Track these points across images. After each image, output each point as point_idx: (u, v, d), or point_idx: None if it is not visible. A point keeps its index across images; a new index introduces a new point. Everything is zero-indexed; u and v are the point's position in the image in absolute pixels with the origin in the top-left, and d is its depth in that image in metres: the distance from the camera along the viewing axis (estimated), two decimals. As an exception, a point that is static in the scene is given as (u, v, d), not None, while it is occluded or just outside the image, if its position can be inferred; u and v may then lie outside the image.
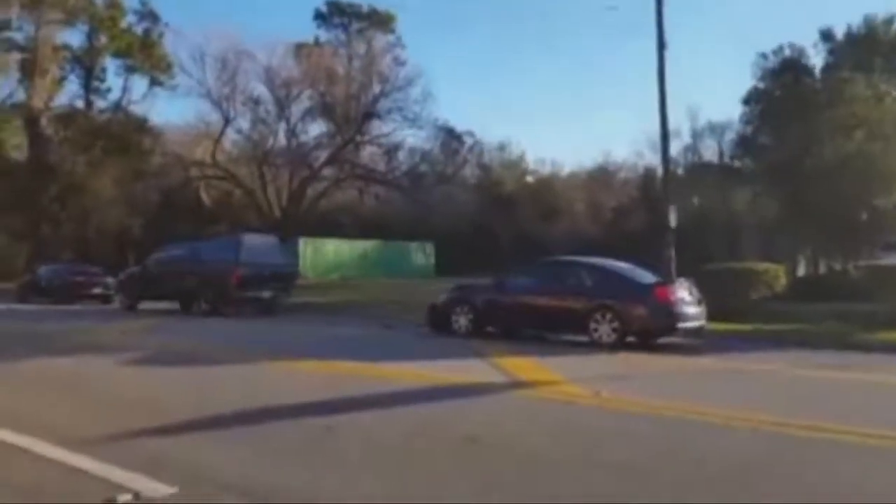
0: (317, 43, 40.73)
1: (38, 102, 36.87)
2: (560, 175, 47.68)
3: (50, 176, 35.88)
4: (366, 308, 18.83)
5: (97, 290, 22.98)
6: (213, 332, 13.28)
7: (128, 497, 3.45)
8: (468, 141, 42.28)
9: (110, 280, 22.99)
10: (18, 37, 37.09)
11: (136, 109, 39.70)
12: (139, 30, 39.84)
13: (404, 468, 4.19)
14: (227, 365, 8.43)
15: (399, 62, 37.50)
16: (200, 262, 17.72)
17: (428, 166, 39.65)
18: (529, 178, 47.68)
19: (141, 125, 38.60)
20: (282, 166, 37.42)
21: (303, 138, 38.40)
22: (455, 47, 68.74)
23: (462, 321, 12.20)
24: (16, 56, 36.79)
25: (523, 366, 8.57)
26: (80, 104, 39.99)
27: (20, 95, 37.57)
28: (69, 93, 40.18)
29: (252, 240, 18.41)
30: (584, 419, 5.76)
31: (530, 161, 49.23)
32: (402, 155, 39.54)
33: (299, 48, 37.52)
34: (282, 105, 36.52)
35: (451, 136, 40.69)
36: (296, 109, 37.18)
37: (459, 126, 42.18)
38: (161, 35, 39.56)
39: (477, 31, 71.71)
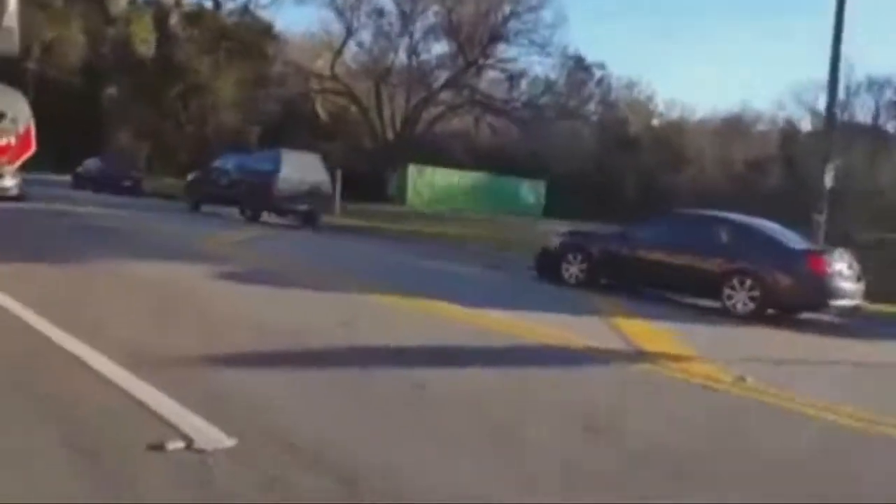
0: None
1: (169, -1, 37.67)
2: (690, 121, 44.09)
3: (175, 74, 36.84)
4: (471, 243, 18.17)
5: (127, 183, 26.69)
6: (301, 252, 12.94)
7: (179, 445, 2.97)
8: (597, 73, 39.68)
9: (136, 174, 27.93)
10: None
11: (263, 15, 39.92)
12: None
13: (511, 455, 3.37)
14: (321, 292, 7.89)
15: (534, -21, 35.06)
16: (248, 172, 19.02)
17: (550, 98, 37.61)
18: (656, 122, 44.42)
19: (266, 30, 38.80)
20: (399, 86, 36.67)
21: (424, 57, 37.35)
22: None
23: (574, 270, 11.13)
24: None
25: (646, 331, 7.47)
26: (208, 4, 40.62)
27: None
28: (202, -9, 40.78)
29: (292, 155, 19.34)
30: (729, 413, 4.71)
31: (660, 103, 45.82)
32: (523, 84, 37.70)
33: (430, -42, 35.92)
34: (406, 19, 35.46)
35: (578, 67, 38.23)
36: (420, 26, 36.05)
37: (590, 57, 39.63)
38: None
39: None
